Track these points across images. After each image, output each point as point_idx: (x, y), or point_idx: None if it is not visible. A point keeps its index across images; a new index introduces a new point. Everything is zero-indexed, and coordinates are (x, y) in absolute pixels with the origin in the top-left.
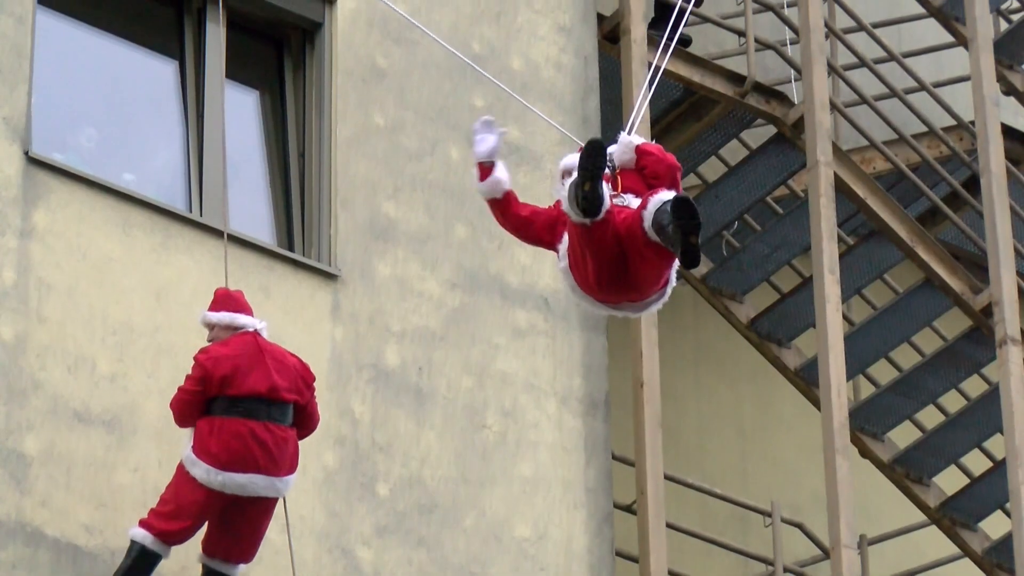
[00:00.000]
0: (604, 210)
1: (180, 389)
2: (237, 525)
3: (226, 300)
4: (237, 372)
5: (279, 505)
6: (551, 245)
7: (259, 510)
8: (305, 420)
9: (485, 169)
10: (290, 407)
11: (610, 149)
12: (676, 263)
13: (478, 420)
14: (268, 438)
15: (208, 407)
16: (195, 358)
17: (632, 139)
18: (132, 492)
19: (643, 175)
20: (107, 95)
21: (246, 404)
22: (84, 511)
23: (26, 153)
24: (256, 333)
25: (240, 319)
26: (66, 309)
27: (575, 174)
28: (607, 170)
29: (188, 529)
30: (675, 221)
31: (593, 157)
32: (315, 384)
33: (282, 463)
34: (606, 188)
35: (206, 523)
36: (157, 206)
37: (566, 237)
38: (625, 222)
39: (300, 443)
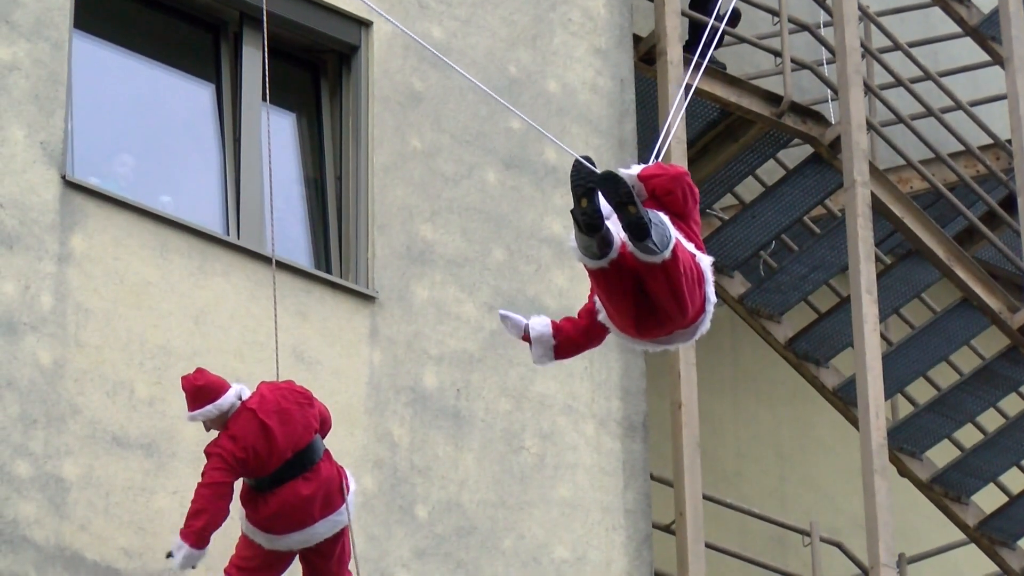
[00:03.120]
0: (615, 245)
1: (213, 477)
2: (318, 563)
3: (197, 392)
4: (260, 460)
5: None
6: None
7: (330, 543)
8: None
9: (526, 338)
10: (315, 441)
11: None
12: (709, 279)
13: (516, 443)
14: (312, 487)
15: (246, 481)
16: (210, 452)
17: (630, 172)
18: (171, 516)
19: (657, 197)
20: (144, 119)
21: (280, 473)
22: (123, 535)
23: (63, 178)
24: (244, 405)
25: (225, 402)
26: (104, 334)
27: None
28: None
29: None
30: (608, 199)
31: (580, 174)
32: (311, 395)
33: (331, 501)
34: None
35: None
36: (195, 230)
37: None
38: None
39: (340, 464)
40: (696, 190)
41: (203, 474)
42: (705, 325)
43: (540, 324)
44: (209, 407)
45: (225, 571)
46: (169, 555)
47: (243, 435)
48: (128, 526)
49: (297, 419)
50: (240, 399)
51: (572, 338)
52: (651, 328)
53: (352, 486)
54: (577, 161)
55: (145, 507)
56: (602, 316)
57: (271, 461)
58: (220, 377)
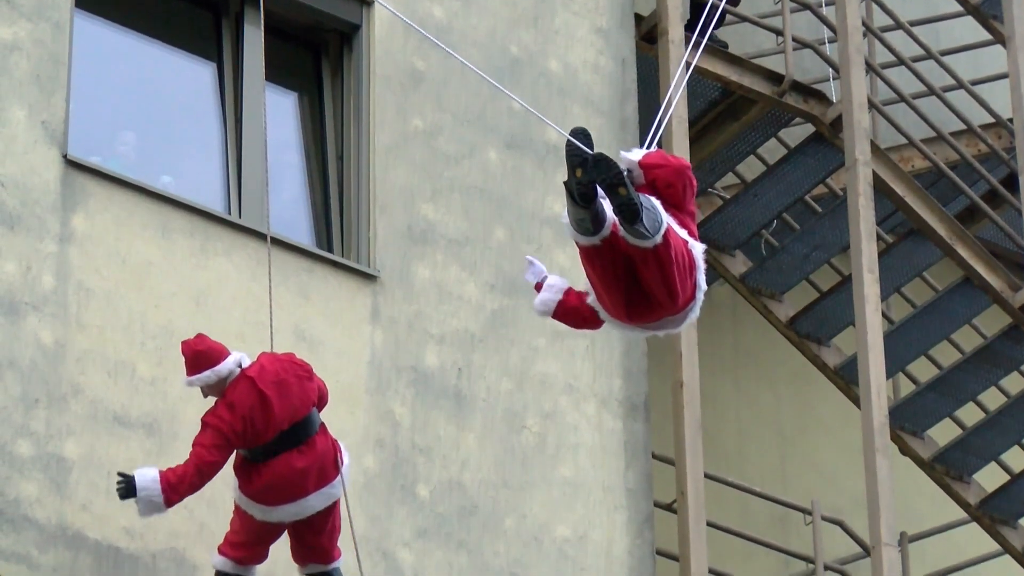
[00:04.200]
0: (608, 222)
1: (202, 455)
2: (308, 536)
3: (197, 358)
4: (256, 430)
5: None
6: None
7: (321, 517)
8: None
9: (539, 286)
10: (311, 414)
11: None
12: (700, 266)
13: (518, 423)
14: (307, 460)
15: (240, 451)
16: (207, 423)
17: (632, 156)
18: None
19: (656, 188)
20: (145, 99)
21: (275, 444)
22: (124, 515)
23: (65, 157)
24: (243, 373)
25: (224, 368)
26: (105, 314)
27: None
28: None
29: (259, 555)
30: (598, 181)
31: (576, 145)
32: (311, 369)
33: (325, 473)
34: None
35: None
36: (196, 209)
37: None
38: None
39: (341, 444)
40: (695, 183)
41: (197, 444)
42: (695, 313)
43: (558, 280)
44: (208, 372)
45: (218, 548)
46: (121, 481)
47: (241, 403)
48: (130, 506)
49: (295, 391)
50: (240, 367)
51: (576, 307)
52: (641, 313)
53: (346, 460)
54: (573, 131)
55: None
56: (591, 299)
57: (267, 431)
58: (220, 344)
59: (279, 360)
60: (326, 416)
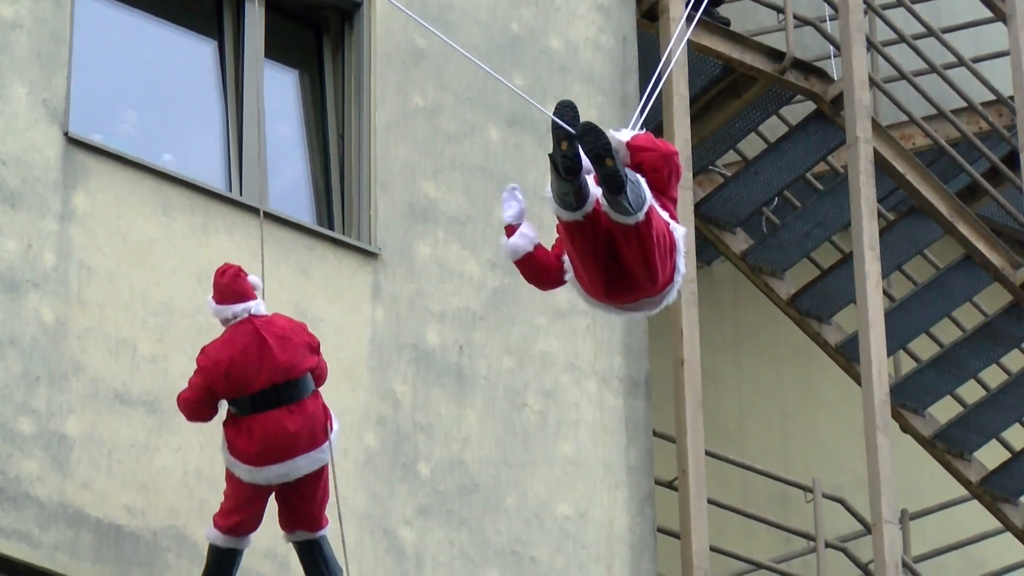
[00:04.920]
0: (591, 198)
1: (187, 390)
2: (296, 502)
3: (225, 290)
4: (246, 372)
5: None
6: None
7: (311, 482)
8: (318, 378)
9: (511, 229)
10: (307, 377)
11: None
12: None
13: (519, 401)
14: (296, 421)
15: (229, 406)
16: (197, 361)
17: (621, 136)
18: (173, 474)
19: (642, 171)
20: (146, 77)
21: (265, 397)
22: (126, 493)
23: (66, 135)
24: (252, 318)
25: (240, 308)
26: (107, 291)
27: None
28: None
29: (250, 519)
30: (585, 149)
31: (565, 117)
32: (318, 345)
33: (315, 435)
34: (591, 181)
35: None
36: (197, 187)
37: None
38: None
39: (343, 421)
40: (681, 171)
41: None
42: (672, 295)
43: (532, 231)
44: (226, 307)
45: (213, 520)
46: None
47: (237, 342)
48: (131, 484)
49: (297, 350)
50: (249, 313)
51: (544, 264)
52: (619, 292)
53: (335, 427)
54: (560, 104)
55: (148, 465)
56: (570, 276)
57: (258, 378)
58: (251, 286)
59: (292, 322)
60: (327, 393)
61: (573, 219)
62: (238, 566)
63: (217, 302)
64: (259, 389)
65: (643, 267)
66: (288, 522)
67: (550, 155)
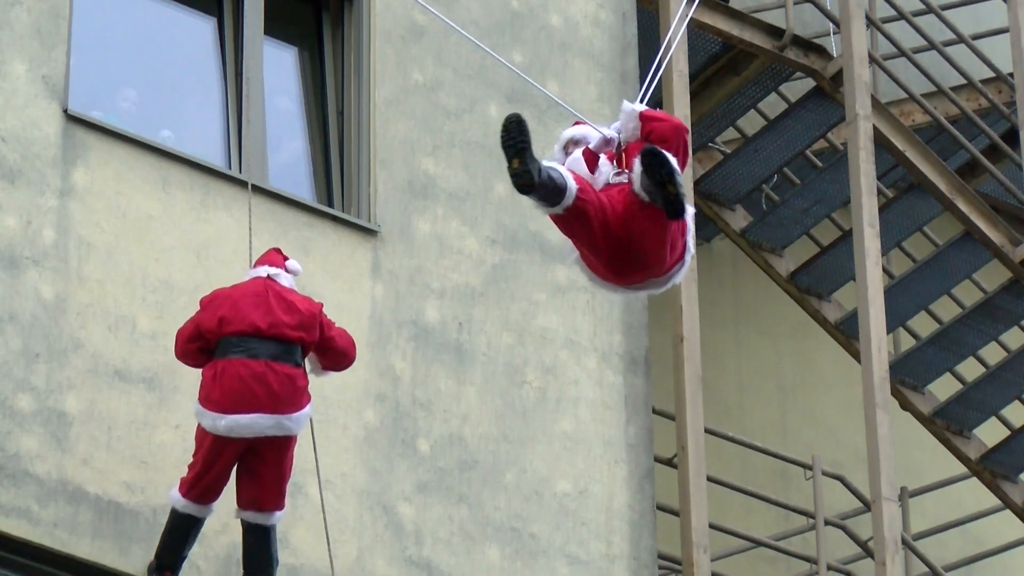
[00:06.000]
0: (569, 191)
1: (177, 342)
2: (258, 471)
3: (261, 258)
4: (237, 309)
5: (332, 470)
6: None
7: (276, 452)
8: (334, 355)
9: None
10: (296, 347)
11: (614, 125)
12: (691, 229)
13: (518, 377)
14: (270, 377)
15: (212, 352)
16: (200, 299)
17: (634, 107)
18: (173, 450)
19: (650, 141)
20: (145, 53)
21: (247, 344)
22: (125, 470)
23: (65, 112)
24: (268, 278)
25: (255, 270)
26: (106, 268)
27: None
28: (612, 145)
29: (211, 485)
30: (647, 174)
31: (511, 133)
32: (333, 326)
33: (288, 401)
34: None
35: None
36: (196, 163)
37: None
38: (618, 197)
39: (342, 398)
40: (689, 148)
41: None
42: (680, 275)
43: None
44: (253, 270)
45: (180, 482)
46: None
47: (242, 286)
48: (130, 460)
49: (298, 320)
50: (269, 275)
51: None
52: (626, 273)
53: (309, 410)
54: (507, 120)
55: (147, 441)
56: (576, 257)
57: (245, 318)
58: (283, 258)
59: (308, 299)
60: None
61: (556, 212)
62: (198, 532)
63: (260, 264)
64: (242, 331)
65: (658, 246)
66: (245, 496)
67: (508, 170)
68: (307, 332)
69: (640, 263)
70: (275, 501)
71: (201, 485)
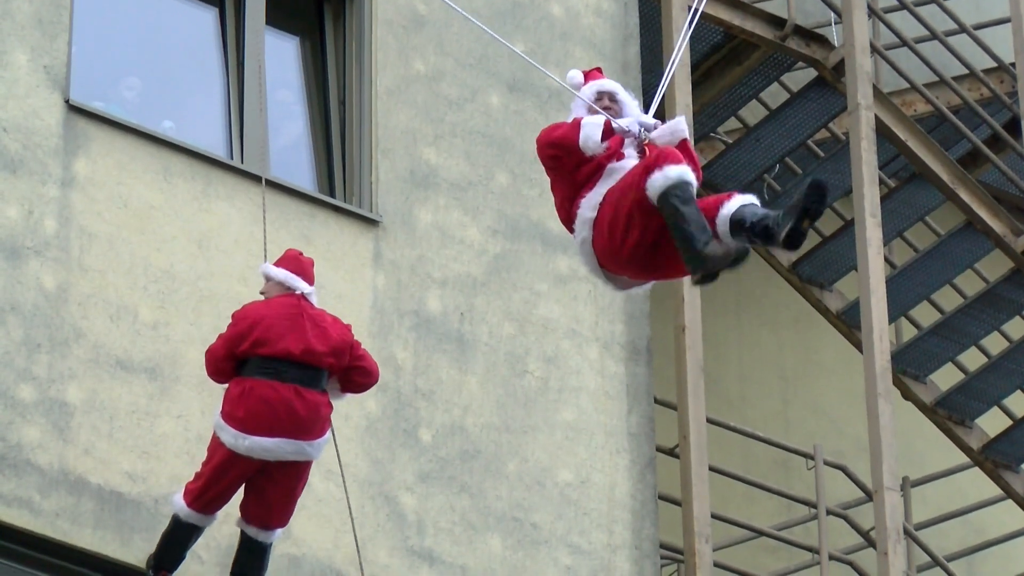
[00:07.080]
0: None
1: (216, 340)
2: (270, 492)
3: (291, 261)
4: (272, 332)
5: (335, 460)
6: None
7: (291, 476)
8: (361, 374)
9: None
10: (324, 373)
11: (658, 131)
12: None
13: (520, 367)
14: (298, 403)
15: (240, 367)
16: (233, 315)
17: (684, 130)
18: (175, 440)
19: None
20: (147, 43)
21: (277, 366)
22: (127, 459)
23: (67, 102)
24: (301, 296)
25: (293, 281)
26: (108, 258)
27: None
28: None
29: (219, 497)
30: (804, 202)
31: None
32: (360, 347)
33: (312, 428)
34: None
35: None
36: (198, 153)
37: (599, 187)
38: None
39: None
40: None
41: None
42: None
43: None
44: (283, 271)
45: (185, 488)
46: None
47: (276, 305)
48: (132, 450)
49: (331, 347)
50: (300, 292)
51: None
52: (638, 268)
53: (329, 435)
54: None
55: (149, 431)
56: (584, 242)
57: (280, 342)
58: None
59: (338, 321)
60: None
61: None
62: (199, 537)
63: (285, 268)
64: (275, 354)
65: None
66: (252, 512)
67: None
68: (337, 359)
69: (657, 265)
70: (281, 520)
71: (207, 497)
